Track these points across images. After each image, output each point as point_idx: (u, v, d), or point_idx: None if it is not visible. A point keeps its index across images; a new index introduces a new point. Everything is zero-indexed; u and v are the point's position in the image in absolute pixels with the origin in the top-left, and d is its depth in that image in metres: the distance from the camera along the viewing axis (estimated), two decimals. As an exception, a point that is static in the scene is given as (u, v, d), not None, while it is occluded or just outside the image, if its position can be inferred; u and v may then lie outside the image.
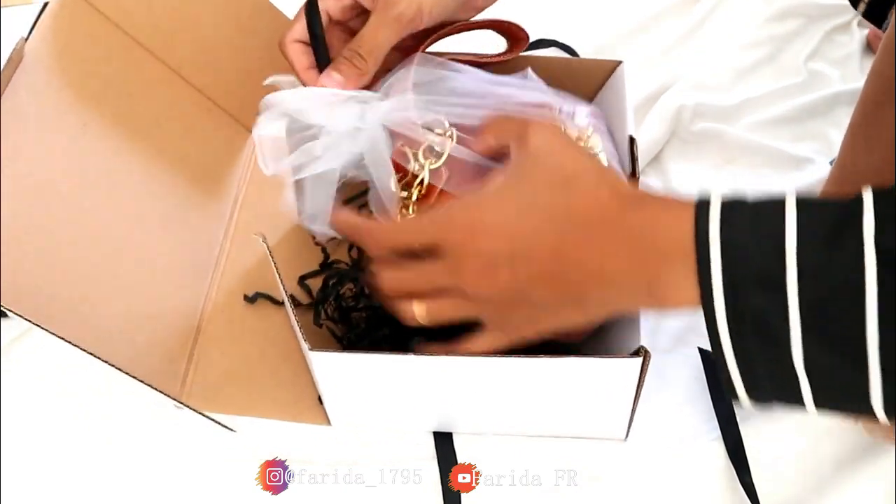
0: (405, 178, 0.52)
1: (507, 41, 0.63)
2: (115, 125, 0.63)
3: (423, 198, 0.51)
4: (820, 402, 0.37)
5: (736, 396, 0.38)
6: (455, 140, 0.51)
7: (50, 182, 0.57)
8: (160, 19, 0.66)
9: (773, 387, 0.37)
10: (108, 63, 0.64)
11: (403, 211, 0.52)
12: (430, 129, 0.51)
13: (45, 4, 0.59)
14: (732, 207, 0.37)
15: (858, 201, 0.34)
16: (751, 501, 0.56)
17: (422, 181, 0.51)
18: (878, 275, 0.33)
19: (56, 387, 0.63)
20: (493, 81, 0.55)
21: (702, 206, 0.37)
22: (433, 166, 0.51)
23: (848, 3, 0.91)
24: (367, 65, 0.51)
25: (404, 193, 0.52)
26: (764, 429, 0.60)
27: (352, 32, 0.53)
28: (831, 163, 0.78)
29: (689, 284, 0.37)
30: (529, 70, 0.57)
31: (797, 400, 0.37)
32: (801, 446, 0.59)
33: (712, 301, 0.36)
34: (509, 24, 0.60)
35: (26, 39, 0.57)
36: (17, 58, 0.55)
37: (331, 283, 0.64)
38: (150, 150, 0.66)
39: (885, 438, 0.58)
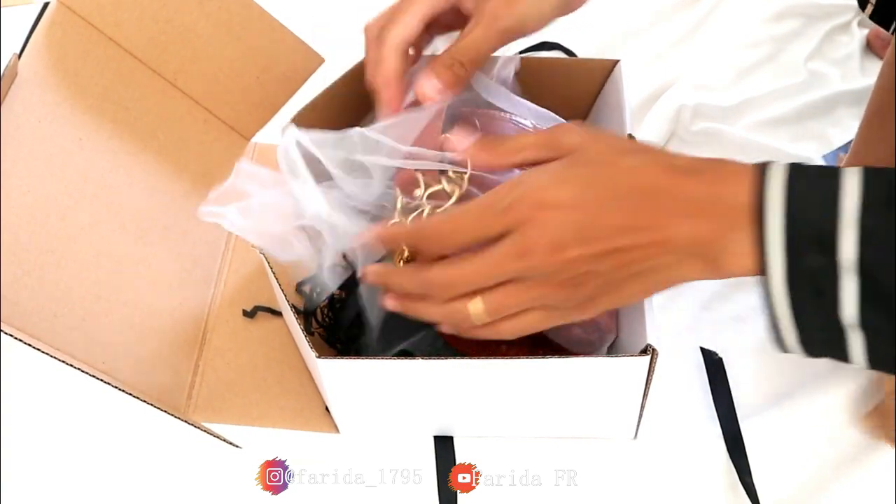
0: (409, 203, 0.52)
1: None
2: (112, 139, 0.63)
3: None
4: (874, 361, 0.38)
5: (785, 349, 0.40)
6: (465, 187, 0.50)
7: (48, 198, 0.57)
8: (153, 31, 0.66)
9: (826, 343, 0.39)
10: (103, 76, 0.64)
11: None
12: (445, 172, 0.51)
13: (40, 14, 0.59)
14: (794, 171, 0.38)
15: None
16: (751, 501, 0.56)
17: (421, 212, 0.51)
18: None
19: (56, 386, 0.63)
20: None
21: (763, 170, 0.38)
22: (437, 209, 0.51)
23: (848, 3, 0.92)
24: (466, 74, 0.50)
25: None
26: (764, 429, 0.60)
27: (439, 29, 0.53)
28: (824, 157, 0.79)
29: (749, 247, 0.38)
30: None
31: (848, 357, 0.38)
32: (801, 446, 0.59)
33: (769, 261, 0.37)
34: None
35: (20, 56, 0.57)
36: (11, 74, 0.55)
37: (317, 291, 0.64)
38: (148, 163, 0.66)
39: (886, 439, 0.58)
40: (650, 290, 0.44)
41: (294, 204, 0.54)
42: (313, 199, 0.51)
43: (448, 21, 0.53)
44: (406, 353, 0.56)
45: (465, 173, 0.50)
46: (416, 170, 0.51)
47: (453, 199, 0.51)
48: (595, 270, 0.41)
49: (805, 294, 0.37)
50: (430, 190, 0.51)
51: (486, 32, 0.50)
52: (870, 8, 0.71)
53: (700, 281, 0.41)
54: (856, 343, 0.38)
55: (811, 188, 0.37)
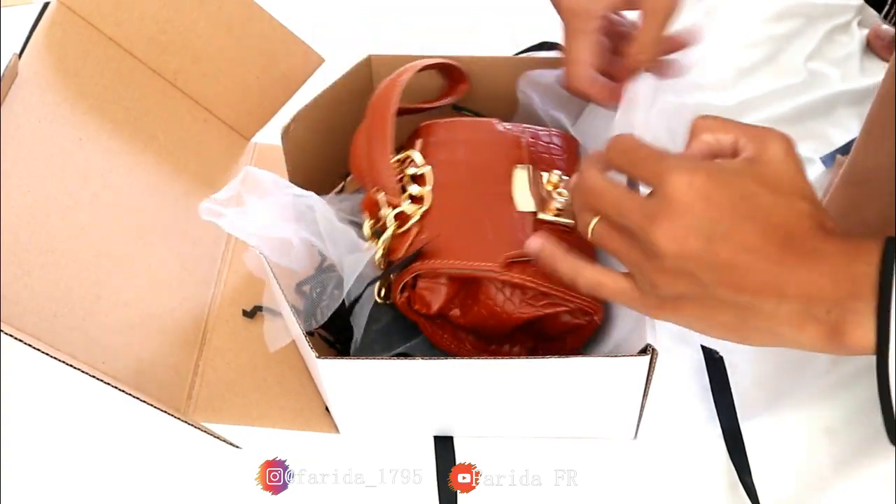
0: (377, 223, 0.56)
1: (448, 82, 0.66)
2: (112, 138, 0.63)
3: (401, 234, 0.55)
4: None
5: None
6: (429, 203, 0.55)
7: (48, 198, 0.57)
8: (153, 31, 0.66)
9: None
10: (103, 76, 0.64)
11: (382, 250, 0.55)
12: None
13: (40, 14, 0.59)
14: None
15: None
16: (751, 501, 0.56)
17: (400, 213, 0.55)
18: None
19: (56, 386, 0.63)
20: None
21: (890, 242, 0.37)
22: (416, 212, 0.55)
23: (848, 3, 0.92)
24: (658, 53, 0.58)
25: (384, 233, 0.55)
26: (764, 429, 0.60)
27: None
28: (822, 159, 0.79)
29: (869, 321, 0.37)
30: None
31: None
32: (801, 446, 0.59)
33: (888, 343, 0.36)
34: (450, 66, 0.64)
35: (20, 56, 0.57)
36: (11, 74, 0.55)
37: (316, 291, 0.64)
38: (148, 163, 0.66)
39: None
40: (746, 337, 0.42)
41: (295, 211, 0.55)
42: (318, 207, 0.55)
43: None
44: (402, 356, 0.57)
45: (428, 188, 0.55)
46: (376, 191, 0.55)
47: (415, 218, 0.54)
48: (699, 276, 0.41)
49: None
50: (394, 212, 0.55)
51: (653, 23, 0.56)
52: (887, 8, 0.71)
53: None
54: None
55: None
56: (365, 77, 0.66)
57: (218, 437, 0.59)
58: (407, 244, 0.54)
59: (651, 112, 0.78)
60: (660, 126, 0.79)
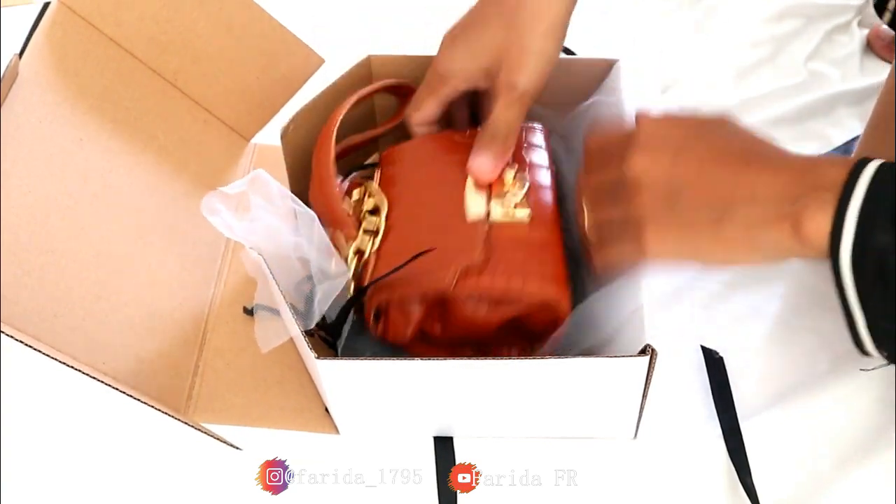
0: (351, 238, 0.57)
1: (399, 101, 0.66)
2: (112, 139, 0.63)
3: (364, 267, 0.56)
4: None
5: (861, 346, 0.40)
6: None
7: (49, 198, 0.57)
8: (153, 31, 0.66)
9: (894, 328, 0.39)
10: (103, 77, 0.64)
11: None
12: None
13: (41, 14, 0.59)
14: (889, 165, 0.39)
15: None
16: (751, 501, 0.56)
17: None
18: None
19: (56, 387, 0.63)
20: None
21: (864, 160, 0.40)
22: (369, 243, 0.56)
23: (848, 3, 0.92)
24: (509, 145, 0.56)
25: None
26: (764, 429, 0.60)
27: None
28: None
29: (828, 211, 0.39)
30: None
31: None
32: (801, 446, 0.59)
33: (841, 231, 0.38)
34: (394, 86, 0.64)
35: (20, 56, 0.57)
36: (12, 75, 0.55)
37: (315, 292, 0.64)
38: (148, 163, 0.66)
39: None
40: (730, 240, 0.44)
41: (293, 223, 0.56)
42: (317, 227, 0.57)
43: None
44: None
45: (381, 218, 0.56)
46: (333, 231, 0.57)
47: (371, 249, 0.56)
48: (679, 190, 0.45)
49: (870, 275, 0.38)
50: (351, 248, 0.56)
51: (507, 102, 0.54)
52: (888, 15, 0.71)
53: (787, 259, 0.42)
54: None
55: None
56: (365, 77, 0.66)
57: (218, 439, 0.59)
58: (367, 276, 0.55)
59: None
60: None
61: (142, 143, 0.66)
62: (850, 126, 0.82)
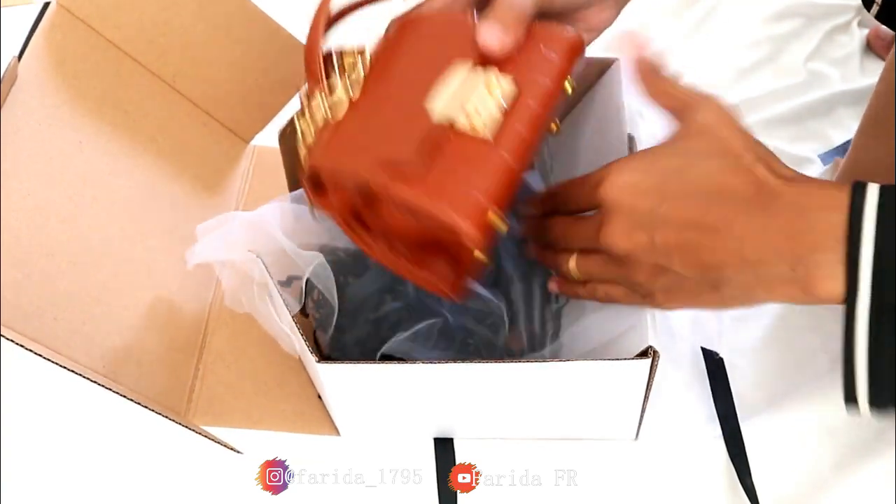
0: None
1: None
2: (112, 141, 0.63)
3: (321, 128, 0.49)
4: None
5: (854, 399, 0.38)
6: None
7: (48, 201, 0.57)
8: (152, 33, 0.66)
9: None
10: (102, 79, 0.64)
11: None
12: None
13: (39, 17, 0.59)
14: (888, 198, 0.36)
15: None
16: (750, 502, 0.56)
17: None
18: None
19: (56, 390, 0.63)
20: None
21: (857, 192, 0.36)
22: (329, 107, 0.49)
23: (848, 3, 0.91)
24: (524, 18, 0.47)
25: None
26: (764, 429, 0.60)
27: None
28: (820, 157, 0.78)
29: (838, 272, 0.36)
30: None
31: None
32: (801, 446, 0.59)
33: (856, 292, 0.36)
34: None
35: (19, 59, 0.57)
36: (11, 77, 0.55)
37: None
38: (148, 166, 0.66)
39: None
40: (729, 302, 0.43)
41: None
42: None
43: None
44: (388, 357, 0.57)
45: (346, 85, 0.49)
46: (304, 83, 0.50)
47: (324, 113, 0.49)
48: (666, 263, 0.42)
49: (890, 326, 0.36)
50: (312, 101, 0.49)
51: None
52: (875, 8, 0.71)
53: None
54: None
55: None
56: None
57: (218, 442, 0.59)
58: (320, 139, 0.49)
59: (648, 114, 0.78)
60: (658, 129, 0.79)
61: (141, 145, 0.66)
62: (850, 126, 0.82)
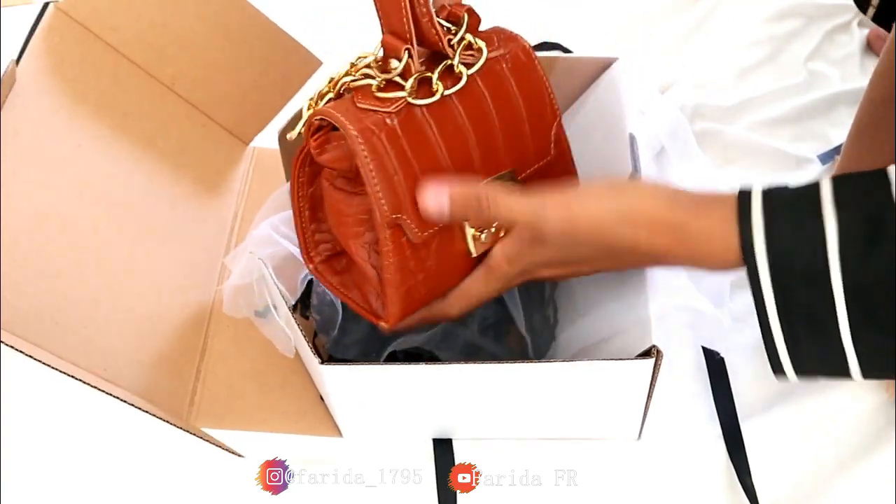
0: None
1: None
2: (111, 144, 0.63)
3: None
4: (867, 373, 0.40)
5: (783, 372, 0.41)
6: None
7: (48, 204, 0.57)
8: (150, 36, 0.66)
9: (822, 365, 0.40)
10: (101, 82, 0.64)
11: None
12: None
13: (38, 19, 0.59)
14: (772, 210, 0.39)
15: (888, 194, 0.37)
16: (750, 502, 0.56)
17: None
18: None
19: (56, 393, 0.63)
20: None
21: (743, 212, 0.40)
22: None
23: (848, 3, 0.91)
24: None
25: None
26: (764, 429, 0.60)
27: None
28: (819, 157, 0.78)
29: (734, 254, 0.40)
30: None
31: (844, 373, 0.40)
32: (801, 446, 0.59)
33: (762, 297, 0.39)
34: None
35: (17, 62, 0.57)
36: (9, 80, 0.55)
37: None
38: (147, 168, 0.66)
39: None
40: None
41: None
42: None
43: None
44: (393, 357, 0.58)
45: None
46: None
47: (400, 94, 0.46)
48: (578, 267, 0.48)
49: (798, 322, 0.39)
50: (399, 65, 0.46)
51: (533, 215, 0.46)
52: (871, 10, 0.71)
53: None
54: (852, 362, 0.39)
55: (792, 229, 0.38)
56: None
57: (219, 445, 0.59)
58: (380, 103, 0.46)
59: (650, 113, 0.78)
60: (660, 127, 0.79)
61: (140, 147, 0.66)
62: (849, 126, 0.81)
